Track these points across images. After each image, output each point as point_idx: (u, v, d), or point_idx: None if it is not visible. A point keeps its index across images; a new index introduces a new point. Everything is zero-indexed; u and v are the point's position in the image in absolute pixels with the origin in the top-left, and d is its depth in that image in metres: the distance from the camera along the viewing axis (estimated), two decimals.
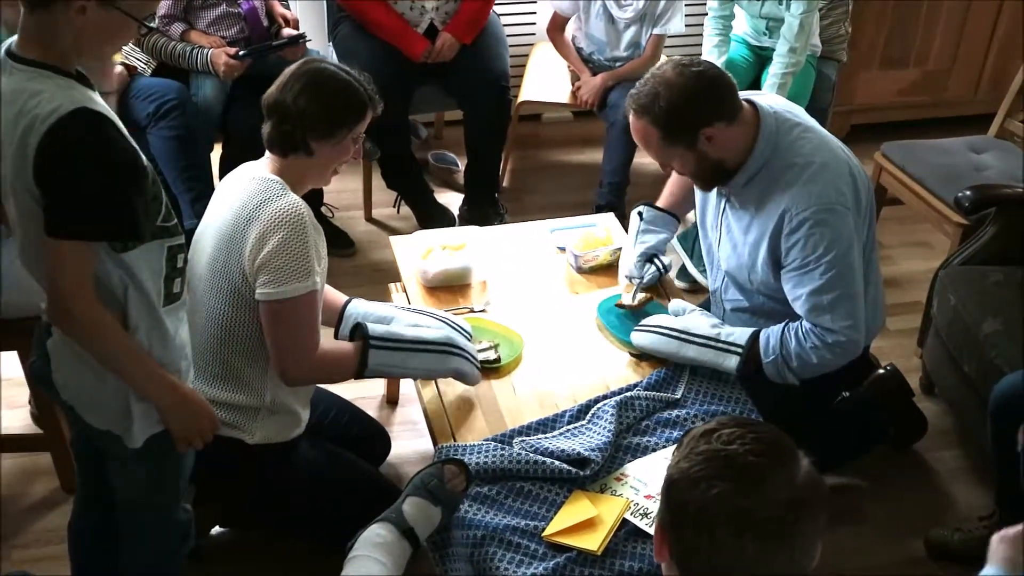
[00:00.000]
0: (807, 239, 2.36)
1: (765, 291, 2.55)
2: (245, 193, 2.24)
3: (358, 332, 2.36)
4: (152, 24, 1.88)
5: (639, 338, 2.58)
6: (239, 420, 2.28)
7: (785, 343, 2.45)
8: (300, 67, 2.28)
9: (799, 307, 2.43)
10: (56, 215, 1.77)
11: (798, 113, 2.52)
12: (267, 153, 2.31)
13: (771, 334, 2.48)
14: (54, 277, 1.81)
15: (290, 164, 2.27)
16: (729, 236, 2.57)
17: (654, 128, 2.37)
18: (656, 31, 3.84)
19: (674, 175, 2.81)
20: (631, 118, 2.41)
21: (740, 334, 2.51)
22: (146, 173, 1.84)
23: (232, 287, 2.22)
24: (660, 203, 2.86)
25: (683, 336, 2.52)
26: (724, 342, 2.50)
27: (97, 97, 1.83)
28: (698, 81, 2.34)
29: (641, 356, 2.60)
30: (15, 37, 1.84)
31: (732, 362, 2.48)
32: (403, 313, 2.56)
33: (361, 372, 2.33)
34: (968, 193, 3.17)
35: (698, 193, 2.69)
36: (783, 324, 2.48)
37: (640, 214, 2.83)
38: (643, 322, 2.60)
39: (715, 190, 2.57)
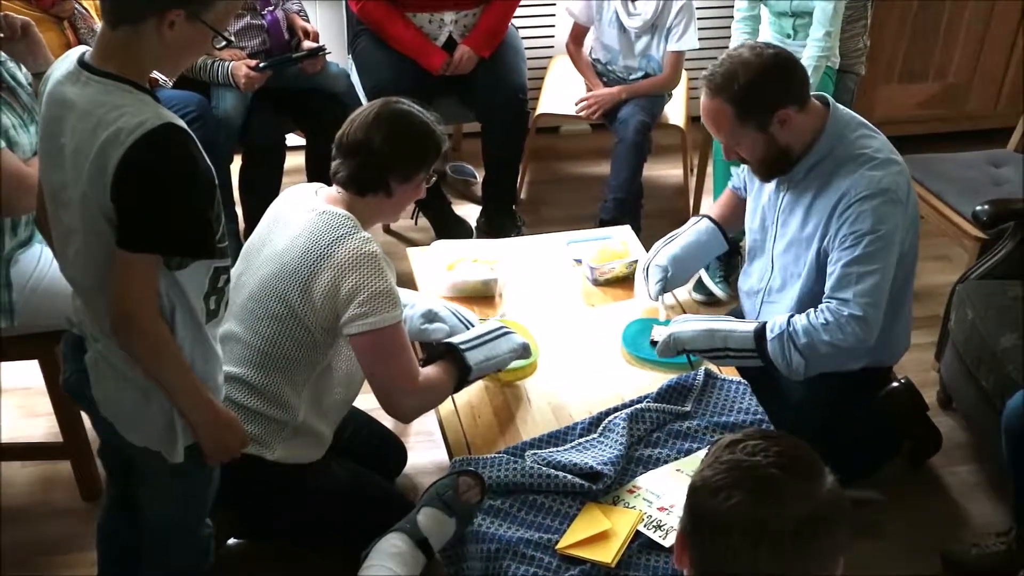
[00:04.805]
0: (858, 215, 2.38)
1: (809, 291, 2.54)
2: (312, 226, 2.24)
3: (437, 350, 2.40)
4: (231, 37, 1.90)
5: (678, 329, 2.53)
6: (262, 435, 2.27)
7: (792, 320, 2.46)
8: (384, 108, 2.30)
9: (830, 280, 2.44)
10: (134, 228, 1.76)
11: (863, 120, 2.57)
12: (335, 187, 2.32)
13: (778, 318, 2.50)
14: (122, 289, 1.80)
15: (366, 203, 2.30)
16: (784, 230, 2.57)
17: (729, 107, 2.38)
18: (671, 48, 3.81)
19: (724, 197, 2.87)
20: (703, 98, 2.43)
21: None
22: (218, 193, 1.86)
23: (288, 312, 2.23)
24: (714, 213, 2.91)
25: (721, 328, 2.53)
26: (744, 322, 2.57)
27: (175, 115, 1.83)
28: (775, 61, 2.38)
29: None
30: (83, 48, 1.84)
31: (750, 327, 2.51)
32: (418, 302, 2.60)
33: (464, 377, 2.35)
34: (986, 207, 3.17)
35: (751, 194, 2.72)
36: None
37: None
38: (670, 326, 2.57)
39: (773, 185, 2.59)
